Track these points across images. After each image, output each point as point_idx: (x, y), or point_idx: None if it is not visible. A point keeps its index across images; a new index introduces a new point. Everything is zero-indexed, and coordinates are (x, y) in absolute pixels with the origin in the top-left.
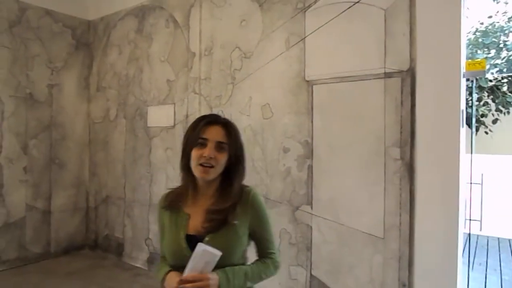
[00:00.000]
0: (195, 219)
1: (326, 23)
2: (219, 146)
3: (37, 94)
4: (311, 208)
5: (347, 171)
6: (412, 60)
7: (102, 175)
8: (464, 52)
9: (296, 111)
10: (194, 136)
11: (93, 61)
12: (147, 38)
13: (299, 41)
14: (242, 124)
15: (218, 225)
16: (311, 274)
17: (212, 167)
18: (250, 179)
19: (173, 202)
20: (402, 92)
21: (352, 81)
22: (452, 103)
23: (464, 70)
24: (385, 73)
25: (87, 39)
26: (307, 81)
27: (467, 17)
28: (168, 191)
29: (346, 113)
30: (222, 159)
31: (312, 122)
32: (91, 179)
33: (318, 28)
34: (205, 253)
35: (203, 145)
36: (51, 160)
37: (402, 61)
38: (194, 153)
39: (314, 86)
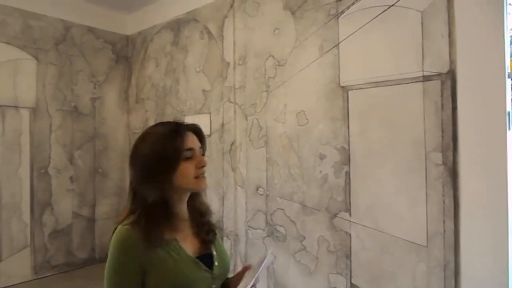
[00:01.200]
0: (188, 242)
1: (360, 28)
2: (201, 153)
3: (81, 107)
4: (350, 215)
5: (386, 177)
6: (452, 61)
7: None
8: (508, 51)
9: (331, 117)
10: (176, 149)
11: (132, 74)
12: (183, 50)
13: (333, 47)
14: (277, 131)
15: (213, 238)
16: (351, 283)
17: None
18: (286, 186)
19: (155, 236)
20: (442, 95)
21: (389, 86)
22: (497, 105)
23: (509, 70)
24: (423, 76)
25: (126, 53)
26: (342, 86)
27: (510, 13)
28: (127, 227)
29: (383, 118)
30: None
31: (348, 128)
32: None
33: (352, 34)
34: (270, 260)
35: (190, 156)
36: (95, 170)
37: (441, 63)
38: (186, 167)
39: (349, 92)
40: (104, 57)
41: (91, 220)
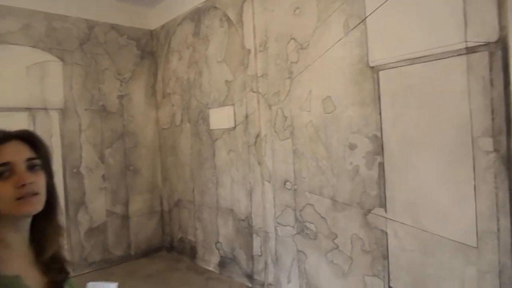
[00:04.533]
0: (34, 282)
1: None
2: (30, 166)
3: (109, 105)
4: (385, 211)
5: (427, 168)
6: (502, 28)
7: (173, 179)
8: None
9: (361, 102)
10: None
11: (157, 69)
12: (204, 40)
13: (359, 23)
14: (303, 120)
15: (65, 279)
16: (389, 287)
17: (36, 194)
18: (315, 180)
19: None
20: (491, 69)
21: (426, 62)
22: None
23: None
24: (466, 47)
25: (151, 48)
26: (372, 67)
27: None
28: None
29: (421, 100)
30: (42, 180)
31: (380, 113)
32: (164, 183)
33: (381, 5)
34: None
35: (5, 173)
36: (126, 167)
37: (488, 31)
38: (1, 188)
39: (380, 72)
40: (129, 54)
41: (125, 217)
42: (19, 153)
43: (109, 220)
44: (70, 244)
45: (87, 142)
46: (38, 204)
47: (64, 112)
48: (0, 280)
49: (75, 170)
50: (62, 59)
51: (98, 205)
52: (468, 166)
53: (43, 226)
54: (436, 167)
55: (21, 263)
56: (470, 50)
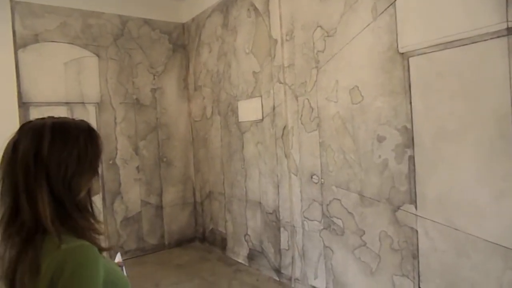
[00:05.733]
0: None
1: None
2: None
3: (143, 98)
4: (416, 208)
5: (462, 162)
6: None
7: (205, 171)
8: None
9: (390, 92)
10: (97, 157)
11: (189, 62)
12: (232, 31)
13: (388, 6)
14: (329, 112)
15: None
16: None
17: None
18: (342, 173)
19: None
20: None
21: (462, 46)
22: None
23: None
24: (508, 28)
25: (182, 41)
26: (402, 53)
27: None
28: (86, 243)
29: (455, 88)
30: None
31: (410, 103)
32: (196, 175)
33: None
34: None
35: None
36: (159, 159)
37: None
38: (96, 184)
39: (410, 59)
40: (161, 48)
41: (159, 207)
42: None
43: (143, 210)
44: (107, 232)
45: (122, 135)
46: None
47: (100, 105)
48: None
49: (111, 162)
50: (97, 55)
51: (133, 195)
52: (508, 160)
53: None
54: (472, 162)
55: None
56: (511, 31)
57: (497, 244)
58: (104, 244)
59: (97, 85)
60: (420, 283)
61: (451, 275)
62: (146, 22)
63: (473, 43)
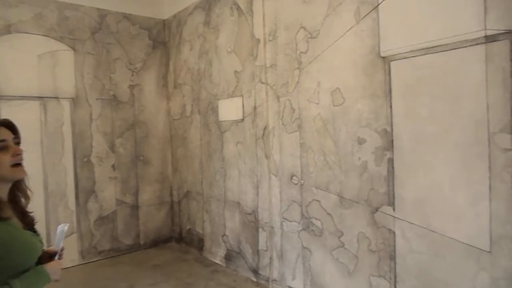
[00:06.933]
0: (17, 222)
1: None
2: (15, 143)
3: (120, 95)
4: (394, 209)
5: (439, 166)
6: None
7: (183, 170)
8: None
9: (371, 95)
10: None
11: (169, 59)
12: (215, 30)
13: (371, 10)
14: (311, 113)
15: (34, 223)
16: None
17: (21, 163)
18: (322, 175)
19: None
20: None
21: (442, 52)
22: None
23: None
24: (485, 36)
25: (163, 38)
26: (383, 57)
27: None
28: None
29: (434, 93)
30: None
31: (391, 106)
32: (174, 174)
33: None
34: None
35: (4, 147)
36: (136, 157)
37: (510, 17)
38: (1, 157)
39: (392, 63)
40: (141, 44)
41: (135, 207)
42: (8, 134)
43: (118, 209)
44: (80, 232)
45: (97, 132)
46: (25, 171)
47: (75, 101)
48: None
49: (85, 159)
50: (73, 48)
51: (108, 194)
52: (483, 165)
53: (18, 188)
54: (449, 165)
55: (9, 212)
56: (489, 39)
57: (471, 245)
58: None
59: (72, 80)
60: (397, 284)
61: (427, 276)
62: (126, 17)
63: (453, 49)
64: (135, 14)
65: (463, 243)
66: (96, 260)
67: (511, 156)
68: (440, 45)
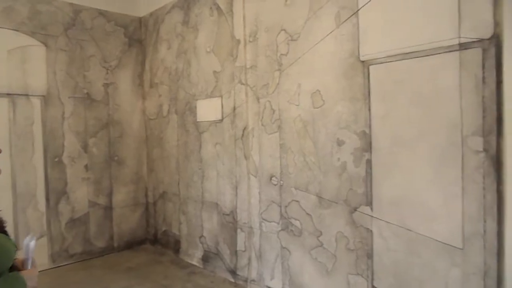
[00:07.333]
0: None
1: None
2: None
3: (94, 93)
4: (371, 209)
5: (415, 167)
6: (496, 24)
7: (159, 171)
8: None
9: (350, 98)
10: None
11: (145, 58)
12: (193, 29)
13: (351, 16)
14: (291, 114)
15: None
16: (373, 286)
17: None
18: (301, 175)
19: None
20: (483, 67)
21: (418, 57)
22: None
23: None
24: (459, 44)
25: (139, 36)
26: (362, 61)
27: None
28: None
29: (411, 97)
30: None
31: (369, 109)
32: (149, 175)
33: None
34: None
35: None
36: (110, 158)
37: (483, 27)
38: None
39: (371, 67)
40: (116, 41)
41: (108, 208)
42: None
43: (91, 211)
44: (50, 234)
45: (70, 131)
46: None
47: (46, 99)
48: None
49: (56, 159)
50: (45, 44)
51: (80, 195)
52: (457, 166)
53: None
54: (425, 166)
55: None
56: (463, 46)
57: (444, 243)
58: None
59: (43, 77)
60: (374, 282)
61: (402, 273)
62: (101, 13)
63: (428, 55)
64: (110, 11)
65: (437, 241)
66: (67, 264)
67: (482, 158)
68: (417, 51)
